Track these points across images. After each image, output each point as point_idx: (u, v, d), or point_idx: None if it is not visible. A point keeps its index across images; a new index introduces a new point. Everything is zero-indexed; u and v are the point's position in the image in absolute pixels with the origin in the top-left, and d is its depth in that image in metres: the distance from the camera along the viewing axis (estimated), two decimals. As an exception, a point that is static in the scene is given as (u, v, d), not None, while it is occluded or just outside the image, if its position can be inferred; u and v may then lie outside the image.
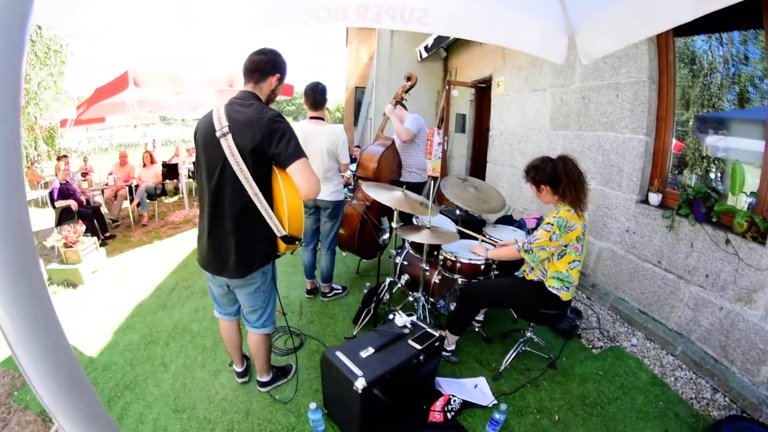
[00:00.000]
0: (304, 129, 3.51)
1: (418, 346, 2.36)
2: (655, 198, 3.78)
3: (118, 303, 4.12)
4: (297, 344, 3.27)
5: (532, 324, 3.07)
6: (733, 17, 3.30)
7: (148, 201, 7.54)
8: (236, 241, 2.05)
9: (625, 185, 4.04)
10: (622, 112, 4.06)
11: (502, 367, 2.99)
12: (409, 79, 4.46)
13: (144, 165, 8.25)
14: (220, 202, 2.02)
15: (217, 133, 1.94)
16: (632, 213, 3.97)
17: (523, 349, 3.12)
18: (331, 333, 3.50)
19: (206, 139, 2.03)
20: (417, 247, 3.56)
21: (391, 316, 2.98)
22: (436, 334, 2.45)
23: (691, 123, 3.90)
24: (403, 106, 4.53)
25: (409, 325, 2.51)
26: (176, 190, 10.04)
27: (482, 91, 7.95)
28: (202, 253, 2.19)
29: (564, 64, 4.58)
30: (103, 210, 7.21)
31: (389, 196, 3.08)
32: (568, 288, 2.69)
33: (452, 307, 3.34)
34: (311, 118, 3.57)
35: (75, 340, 3.41)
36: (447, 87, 7.77)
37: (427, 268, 3.24)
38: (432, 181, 6.66)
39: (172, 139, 15.31)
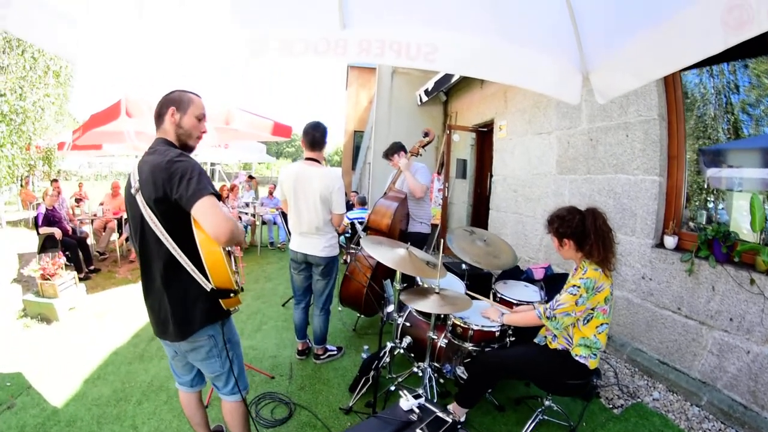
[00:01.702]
0: (296, 170, 3.19)
1: None
2: (671, 241, 3.54)
3: (92, 347, 3.75)
4: (285, 415, 2.82)
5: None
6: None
7: None
8: (169, 301, 1.80)
9: (639, 229, 3.77)
10: (632, 153, 3.83)
11: (520, 440, 2.59)
12: (427, 134, 4.26)
13: None
14: (148, 260, 1.82)
15: (132, 190, 1.76)
16: (648, 258, 3.68)
17: (541, 418, 2.74)
18: (324, 402, 3.03)
19: (127, 198, 1.86)
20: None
21: (393, 387, 2.64)
22: (449, 419, 2.01)
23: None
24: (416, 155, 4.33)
25: (417, 410, 2.06)
26: None
27: (483, 135, 7.78)
28: (148, 314, 1.96)
29: (570, 105, 4.51)
30: (90, 241, 6.83)
31: (391, 256, 2.69)
32: (595, 355, 2.36)
33: (459, 372, 2.95)
34: (307, 159, 3.24)
35: (40, 385, 3.09)
36: (447, 131, 7.61)
37: (435, 337, 2.83)
38: (432, 229, 6.46)
39: None
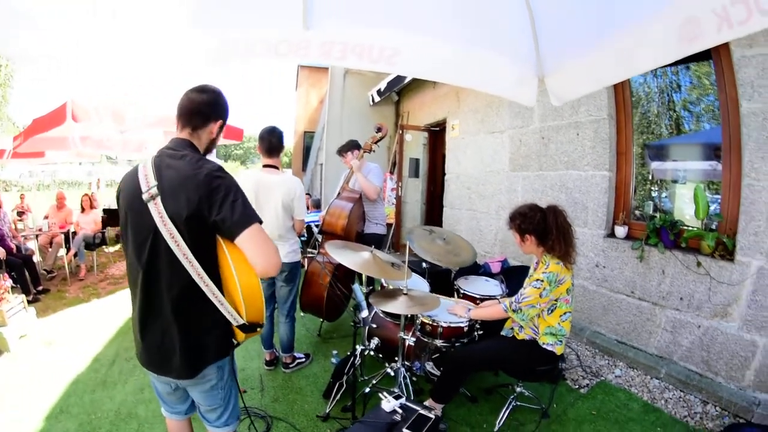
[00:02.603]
0: (256, 179, 3.08)
1: None
2: (621, 231, 3.75)
3: (50, 378, 3.39)
4: (263, 429, 2.73)
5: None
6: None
7: (86, 251, 6.63)
8: (180, 333, 1.51)
9: (591, 221, 3.96)
10: (583, 150, 4.01)
11: (496, 428, 2.67)
12: (379, 130, 4.19)
13: (83, 210, 7.21)
14: (155, 283, 1.50)
15: (144, 196, 1.44)
16: (600, 248, 3.87)
17: (515, 404, 2.83)
18: (300, 411, 2.93)
19: (131, 203, 1.53)
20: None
21: (368, 390, 2.61)
22: (432, 416, 2.05)
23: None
24: (368, 152, 4.25)
25: (399, 410, 2.08)
26: (118, 239, 9.02)
27: (436, 134, 7.85)
28: (139, 347, 1.63)
29: (523, 105, 4.64)
30: (37, 259, 6.27)
31: (356, 259, 2.64)
32: (561, 341, 2.47)
33: (428, 368, 3.02)
34: (265, 166, 3.14)
35: (-4, 427, 2.78)
36: (400, 131, 7.62)
37: (406, 336, 2.81)
38: (386, 229, 6.50)
39: (118, 180, 14.34)
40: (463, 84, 2.31)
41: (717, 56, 3.07)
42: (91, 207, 7.38)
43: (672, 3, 1.50)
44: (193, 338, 1.53)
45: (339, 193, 4.08)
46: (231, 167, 43.46)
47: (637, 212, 3.94)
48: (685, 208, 3.62)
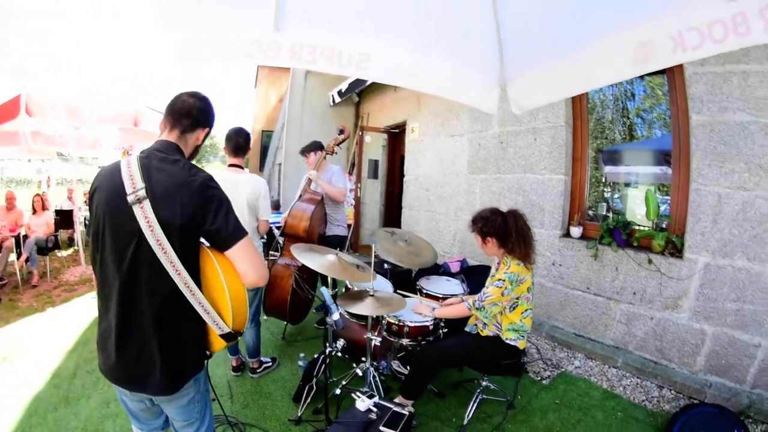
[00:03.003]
0: (221, 178, 2.94)
1: None
2: (576, 231, 3.93)
3: (8, 396, 3.15)
4: None
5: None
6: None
7: (38, 256, 6.26)
8: (161, 346, 1.42)
9: (548, 222, 4.13)
10: (540, 155, 4.18)
11: (465, 421, 2.75)
12: (342, 132, 4.21)
13: (34, 211, 6.82)
14: (135, 293, 1.40)
15: (129, 198, 1.35)
16: (557, 247, 4.05)
17: (482, 397, 2.93)
18: (272, 416, 2.90)
19: (111, 204, 1.41)
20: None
21: (338, 391, 2.62)
22: (406, 412, 2.13)
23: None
24: (331, 154, 4.27)
25: (374, 408, 2.14)
26: (71, 242, 8.59)
27: (395, 136, 7.91)
28: (109, 362, 1.49)
29: (482, 110, 4.78)
30: None
31: (321, 262, 2.65)
32: (523, 336, 2.60)
33: (394, 366, 3.09)
34: (230, 165, 3.12)
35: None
36: (360, 132, 7.64)
37: (374, 337, 2.86)
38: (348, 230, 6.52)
39: (69, 178, 13.40)
40: (429, 91, 2.36)
41: (670, 71, 3.31)
42: (43, 208, 6.97)
43: (631, 25, 1.62)
44: (174, 352, 1.46)
45: (300, 195, 4.06)
46: None
47: (590, 213, 4.16)
48: (635, 209, 3.87)
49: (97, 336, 1.54)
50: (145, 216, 1.34)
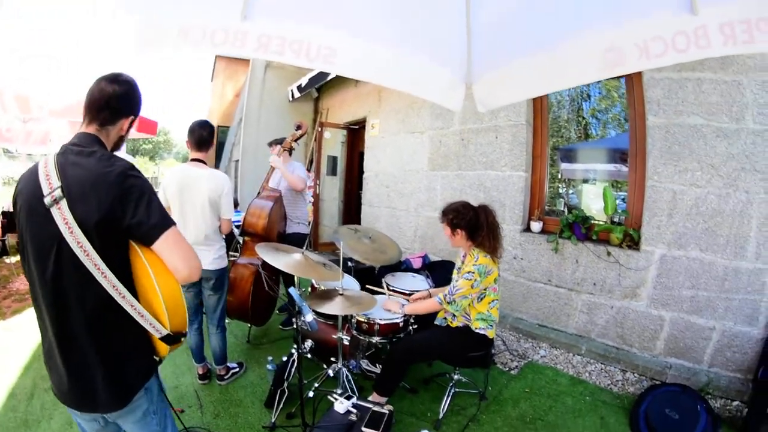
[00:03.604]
0: (182, 173, 2.88)
1: None
2: (536, 226, 4.04)
3: None
4: None
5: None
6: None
7: None
8: (100, 358, 1.31)
9: (508, 218, 4.22)
10: (501, 152, 4.28)
11: (441, 415, 2.78)
12: (299, 127, 4.09)
13: None
14: (63, 302, 1.29)
15: (46, 199, 1.24)
16: (518, 242, 4.15)
17: (455, 390, 2.97)
18: (245, 425, 2.78)
19: (31, 208, 1.30)
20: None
21: (311, 393, 2.58)
22: (386, 410, 2.11)
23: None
24: (289, 153, 4.17)
25: (353, 409, 2.10)
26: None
27: (354, 132, 7.86)
28: (55, 380, 1.40)
29: (443, 107, 4.83)
30: None
31: (287, 261, 2.56)
32: (491, 326, 2.66)
33: (363, 365, 3.07)
34: (192, 160, 2.95)
35: None
36: (319, 128, 7.53)
37: (345, 337, 2.79)
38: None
39: (16, 177, 12.36)
40: (395, 86, 2.32)
41: (629, 76, 3.48)
42: (15, 200, 6.37)
43: (599, 30, 1.67)
44: (116, 362, 1.35)
45: (259, 193, 3.98)
46: (139, 162, 38.89)
47: (546, 207, 4.29)
48: (590, 204, 4.04)
49: (42, 355, 1.43)
50: (63, 217, 1.23)
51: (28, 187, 1.32)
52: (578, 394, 3.15)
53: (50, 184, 1.25)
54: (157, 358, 1.45)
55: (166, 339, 1.34)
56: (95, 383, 1.33)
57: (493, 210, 2.68)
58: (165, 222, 1.33)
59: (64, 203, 1.23)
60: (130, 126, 1.54)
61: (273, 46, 1.80)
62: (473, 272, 2.51)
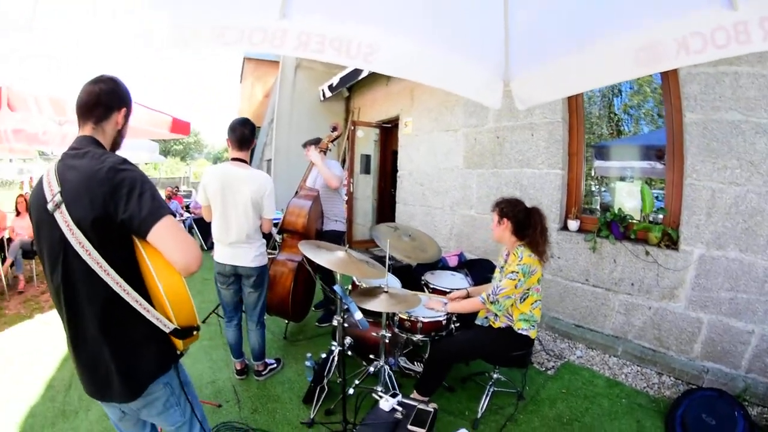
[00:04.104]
0: (223, 172, 2.88)
1: (423, 430, 1.98)
2: (574, 224, 4.00)
3: (2, 412, 2.96)
4: None
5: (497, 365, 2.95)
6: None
7: (24, 260, 6.02)
8: (112, 352, 1.36)
9: (546, 216, 4.21)
10: (537, 150, 4.23)
11: (480, 414, 2.79)
12: (335, 129, 4.17)
13: (18, 213, 6.50)
14: (74, 301, 1.35)
15: (49, 206, 1.29)
16: (555, 240, 4.09)
17: (494, 390, 2.97)
18: (283, 420, 2.80)
19: (39, 215, 1.36)
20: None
21: (351, 391, 2.59)
22: (430, 408, 2.12)
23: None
24: (324, 153, 4.21)
25: (398, 407, 2.09)
26: None
27: (387, 131, 7.87)
28: (78, 372, 1.47)
29: (477, 105, 4.82)
30: None
31: (330, 258, 2.55)
32: (534, 326, 2.65)
33: (402, 363, 3.10)
34: (234, 159, 2.93)
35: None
36: (351, 127, 7.56)
37: (388, 334, 2.80)
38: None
39: None
40: (434, 84, 2.31)
41: (665, 71, 3.37)
42: (27, 209, 6.64)
43: (638, 26, 1.64)
44: (128, 356, 1.39)
45: (297, 192, 4.04)
46: (170, 163, 40.46)
47: (584, 206, 4.23)
48: (624, 202, 3.95)
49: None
50: (65, 220, 1.27)
51: (36, 198, 1.38)
52: (614, 396, 3.13)
53: (52, 190, 1.31)
54: (178, 352, 1.49)
55: (174, 333, 1.36)
56: (110, 376, 1.38)
57: (545, 215, 2.67)
58: (157, 212, 1.31)
59: (64, 207, 1.28)
60: (126, 119, 1.56)
61: (313, 44, 1.79)
62: (517, 272, 2.51)
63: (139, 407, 1.48)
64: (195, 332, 1.41)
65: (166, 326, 1.34)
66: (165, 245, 1.31)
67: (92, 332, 1.35)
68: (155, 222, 1.29)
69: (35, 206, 1.39)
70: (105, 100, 1.46)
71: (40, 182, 1.38)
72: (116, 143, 1.56)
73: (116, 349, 1.37)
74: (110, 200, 1.27)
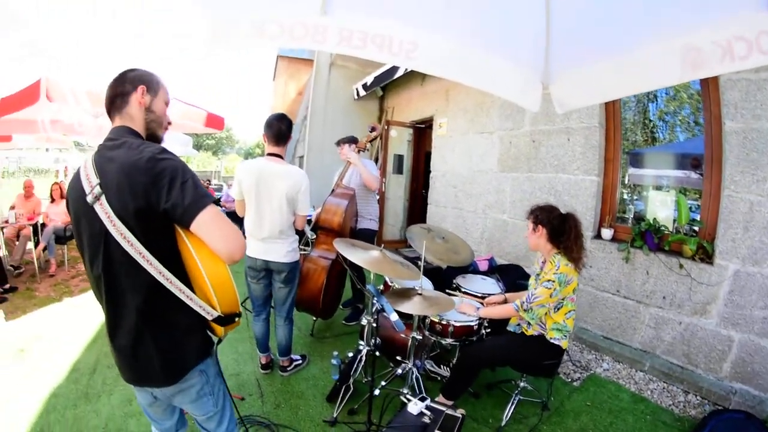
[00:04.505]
0: (259, 167, 2.87)
1: None
2: (607, 233, 3.91)
3: (25, 391, 3.03)
4: None
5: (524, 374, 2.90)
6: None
7: (56, 245, 6.23)
8: (154, 340, 1.39)
9: (581, 222, 4.14)
10: (573, 155, 4.16)
11: (504, 422, 2.76)
12: (373, 129, 4.19)
13: (52, 200, 6.74)
14: (117, 291, 1.37)
15: (88, 198, 1.30)
16: (588, 249, 4.01)
17: (519, 398, 2.94)
18: (306, 417, 2.80)
19: (79, 210, 1.37)
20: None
21: (377, 392, 2.57)
22: (458, 414, 2.09)
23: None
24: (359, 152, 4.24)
25: (426, 411, 2.07)
26: None
27: (421, 131, 7.85)
28: (115, 358, 1.49)
29: (513, 108, 4.77)
30: (2, 253, 5.86)
31: (365, 257, 2.54)
32: (566, 336, 2.60)
33: (428, 366, 3.08)
34: (269, 154, 2.93)
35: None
36: (386, 127, 7.55)
37: (419, 336, 2.80)
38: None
39: None
40: (473, 84, 2.27)
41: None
42: (62, 197, 6.82)
43: (680, 31, 1.60)
44: (169, 343, 1.42)
45: (333, 190, 4.04)
46: (202, 157, 41.86)
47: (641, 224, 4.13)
48: (657, 212, 3.85)
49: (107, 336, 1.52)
50: (105, 212, 1.27)
51: (74, 191, 1.38)
52: (639, 412, 3.05)
53: (90, 182, 1.31)
54: (216, 339, 1.51)
55: (217, 321, 1.37)
56: (150, 363, 1.40)
57: (580, 221, 2.62)
58: (201, 201, 1.31)
59: (104, 198, 1.28)
60: (152, 95, 1.51)
61: (355, 40, 1.77)
62: (553, 281, 2.46)
63: (173, 393, 1.50)
64: (237, 319, 1.42)
65: (209, 314, 1.35)
66: (209, 234, 1.31)
67: (133, 321, 1.37)
68: (199, 211, 1.29)
69: (73, 198, 1.40)
70: (120, 87, 1.46)
71: (78, 175, 1.38)
72: (152, 126, 1.53)
73: (158, 337, 1.39)
74: (152, 190, 1.27)
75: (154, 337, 1.38)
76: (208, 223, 1.31)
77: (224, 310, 1.36)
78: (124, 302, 1.36)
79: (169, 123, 1.62)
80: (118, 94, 1.45)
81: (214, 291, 1.31)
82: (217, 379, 1.60)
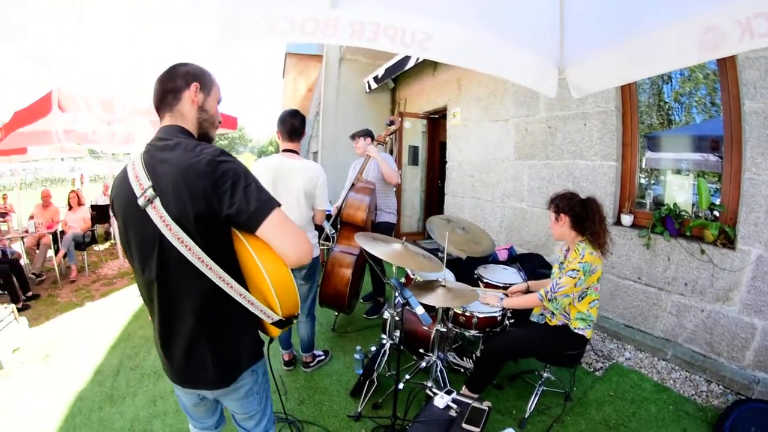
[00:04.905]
0: (275, 164, 2.85)
1: (477, 429, 1.95)
2: (627, 219, 3.87)
3: (50, 395, 3.09)
4: None
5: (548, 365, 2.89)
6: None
7: (76, 251, 6.38)
8: (210, 344, 1.36)
9: (602, 205, 4.10)
10: (590, 140, 4.11)
11: (527, 414, 2.75)
12: (392, 123, 4.18)
13: (70, 207, 6.91)
14: (171, 296, 1.33)
15: (140, 201, 1.25)
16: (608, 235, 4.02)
17: (542, 389, 2.92)
18: (330, 413, 2.82)
19: (128, 213, 1.32)
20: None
21: (401, 385, 2.53)
22: (485, 407, 2.09)
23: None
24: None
25: (453, 404, 2.07)
26: (107, 236, 8.74)
27: (435, 121, 7.82)
28: (164, 362, 1.47)
29: (527, 94, 4.72)
30: (24, 262, 5.97)
31: (387, 250, 2.52)
32: (590, 326, 2.57)
33: (451, 358, 3.07)
34: (284, 150, 2.92)
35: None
36: (399, 118, 7.62)
37: (443, 329, 2.79)
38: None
39: (102, 175, 13.47)
40: (488, 72, 2.25)
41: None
42: (79, 204, 7.04)
43: (697, 9, 1.56)
44: (225, 347, 1.40)
45: (353, 185, 4.03)
46: None
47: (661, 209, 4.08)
48: (676, 196, 3.79)
49: (156, 341, 1.48)
50: (160, 215, 1.22)
51: (122, 192, 1.33)
52: (662, 402, 3.02)
53: (141, 185, 1.26)
54: (270, 338, 1.49)
55: (278, 324, 1.35)
56: (205, 366, 1.38)
57: (601, 204, 2.58)
58: (267, 206, 1.27)
59: (158, 201, 1.23)
60: (205, 93, 1.45)
61: (367, 32, 1.77)
62: (578, 270, 2.43)
63: (223, 393, 1.48)
64: (294, 320, 1.40)
65: (270, 317, 1.33)
66: (276, 240, 1.28)
67: (190, 326, 1.34)
68: (266, 216, 1.26)
69: (121, 202, 1.34)
70: (171, 83, 1.40)
71: (125, 177, 1.33)
72: (205, 125, 1.48)
73: (215, 341, 1.37)
74: (212, 195, 1.22)
75: (209, 342, 1.36)
76: (275, 228, 1.27)
77: (285, 314, 1.34)
78: (180, 307, 1.33)
79: (220, 122, 1.57)
80: (169, 90, 1.39)
81: (276, 295, 1.29)
82: (265, 378, 1.60)
